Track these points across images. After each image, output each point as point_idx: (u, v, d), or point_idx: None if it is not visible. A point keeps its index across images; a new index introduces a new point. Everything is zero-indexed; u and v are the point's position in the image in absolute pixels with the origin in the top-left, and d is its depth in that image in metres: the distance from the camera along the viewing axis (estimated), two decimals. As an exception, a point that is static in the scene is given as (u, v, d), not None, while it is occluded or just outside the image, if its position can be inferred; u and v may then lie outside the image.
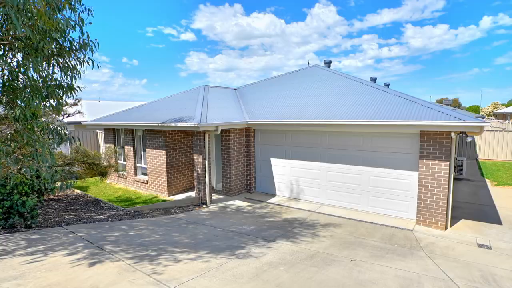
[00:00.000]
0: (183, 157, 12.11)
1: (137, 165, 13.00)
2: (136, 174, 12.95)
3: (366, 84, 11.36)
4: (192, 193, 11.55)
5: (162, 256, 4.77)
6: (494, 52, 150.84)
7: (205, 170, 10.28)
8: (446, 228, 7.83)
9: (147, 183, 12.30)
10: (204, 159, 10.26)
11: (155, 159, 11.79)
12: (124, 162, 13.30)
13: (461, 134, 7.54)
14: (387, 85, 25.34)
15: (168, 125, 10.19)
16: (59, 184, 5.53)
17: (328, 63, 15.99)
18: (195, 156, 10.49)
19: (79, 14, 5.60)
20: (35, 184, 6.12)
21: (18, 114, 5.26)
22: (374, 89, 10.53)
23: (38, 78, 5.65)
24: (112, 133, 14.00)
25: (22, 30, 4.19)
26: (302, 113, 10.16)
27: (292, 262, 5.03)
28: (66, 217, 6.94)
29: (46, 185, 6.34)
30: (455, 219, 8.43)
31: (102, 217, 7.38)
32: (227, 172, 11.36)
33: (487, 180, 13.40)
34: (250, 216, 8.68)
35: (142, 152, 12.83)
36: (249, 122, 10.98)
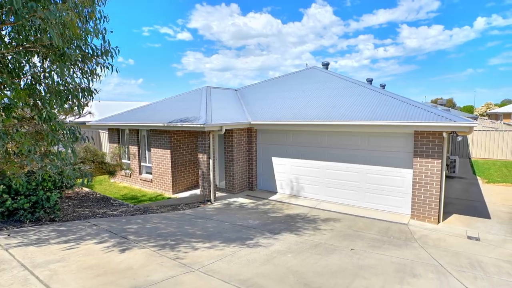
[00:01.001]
0: (187, 156, 12.54)
1: (142, 164, 13.40)
2: (140, 173, 13.35)
3: (363, 86, 11.87)
4: (196, 191, 11.98)
5: (180, 245, 5.23)
6: (488, 53, 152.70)
7: (209, 169, 10.73)
8: (438, 222, 8.34)
9: (151, 182, 12.70)
10: (208, 158, 10.71)
11: (160, 158, 12.20)
12: (129, 161, 13.68)
13: (452, 134, 8.06)
14: (383, 86, 25.93)
15: (174, 125, 10.60)
16: (79, 181, 5.95)
17: (326, 65, 16.47)
18: (200, 155, 10.93)
19: (95, 21, 6.02)
20: (57, 180, 6.54)
21: (44, 116, 5.68)
22: (371, 91, 11.03)
23: (60, 81, 6.08)
24: (117, 133, 14.39)
25: (54, 39, 4.60)
26: (303, 114, 10.64)
27: (297, 250, 5.52)
28: (82, 212, 7.37)
29: (70, 181, 6.76)
30: (447, 214, 8.95)
31: (115, 212, 7.81)
32: (230, 170, 11.80)
33: (478, 178, 13.98)
34: (253, 212, 9.14)
35: (146, 152, 13.23)
36: (251, 123, 11.44)
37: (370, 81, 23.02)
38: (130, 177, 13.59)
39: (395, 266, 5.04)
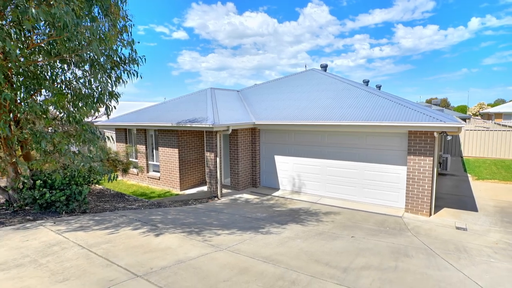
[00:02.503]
0: (193, 155, 13.18)
1: (149, 162, 14.01)
2: (148, 171, 13.96)
3: (361, 88, 12.61)
4: (202, 188, 12.65)
5: (204, 231, 5.93)
6: (482, 53, 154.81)
7: (216, 167, 11.39)
8: (430, 214, 9.09)
9: (159, 179, 13.32)
10: (216, 156, 11.37)
11: (168, 156, 12.83)
12: (136, 160, 14.28)
13: (442, 134, 8.81)
14: (378, 87, 26.75)
15: (184, 125, 11.24)
16: (106, 177, 6.61)
17: (324, 67, 17.20)
18: (208, 154, 11.59)
19: (126, 33, 6.65)
20: (86, 176, 7.18)
21: (78, 118, 6.34)
22: (368, 93, 11.77)
23: (89, 86, 6.74)
24: (124, 133, 14.98)
25: (96, 51, 5.26)
26: (304, 114, 11.34)
27: (305, 237, 6.23)
28: (104, 206, 8.02)
29: (97, 177, 7.40)
30: (438, 208, 9.70)
31: (133, 206, 8.47)
32: (235, 168, 12.48)
33: (469, 175, 14.78)
34: (259, 206, 9.83)
35: (154, 150, 13.84)
36: (255, 123, 12.12)
37: (366, 82, 23.81)
38: (138, 175, 14.19)
39: (391, 249, 5.77)
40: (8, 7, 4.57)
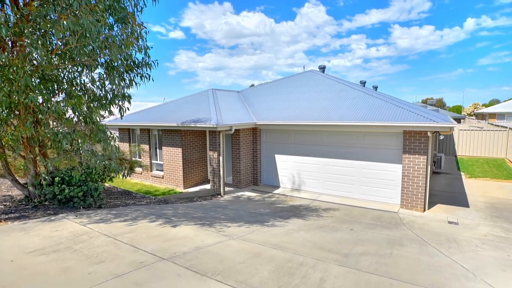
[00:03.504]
0: (196, 154, 13.60)
1: (153, 161, 14.41)
2: (151, 170, 14.36)
3: (358, 89, 13.11)
4: (205, 186, 13.08)
5: (215, 224, 6.40)
6: (477, 53, 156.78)
7: (219, 165, 11.84)
8: (424, 210, 9.60)
9: (163, 178, 13.72)
10: (219, 155, 11.81)
11: (172, 155, 13.24)
12: (140, 159, 14.67)
13: (435, 133, 9.31)
14: (375, 87, 27.30)
15: (188, 125, 11.66)
16: (121, 174, 7.03)
17: (322, 68, 17.69)
18: (211, 153, 12.03)
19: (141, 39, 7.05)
20: (100, 173, 7.61)
21: (94, 118, 6.75)
22: (365, 94, 12.27)
23: (100, 87, 7.14)
24: (128, 133, 15.36)
25: (114, 56, 5.68)
26: (304, 115, 11.82)
27: (307, 229, 6.71)
28: (115, 202, 8.44)
29: (113, 174, 7.83)
30: (432, 204, 10.22)
31: (142, 202, 8.89)
32: (237, 167, 12.92)
33: (462, 173, 15.35)
34: (261, 203, 10.29)
35: (157, 150, 14.24)
36: (257, 123, 12.57)
37: (363, 83, 24.31)
38: (141, 173, 14.57)
39: (387, 240, 6.26)
40: (38, 18, 4.97)
